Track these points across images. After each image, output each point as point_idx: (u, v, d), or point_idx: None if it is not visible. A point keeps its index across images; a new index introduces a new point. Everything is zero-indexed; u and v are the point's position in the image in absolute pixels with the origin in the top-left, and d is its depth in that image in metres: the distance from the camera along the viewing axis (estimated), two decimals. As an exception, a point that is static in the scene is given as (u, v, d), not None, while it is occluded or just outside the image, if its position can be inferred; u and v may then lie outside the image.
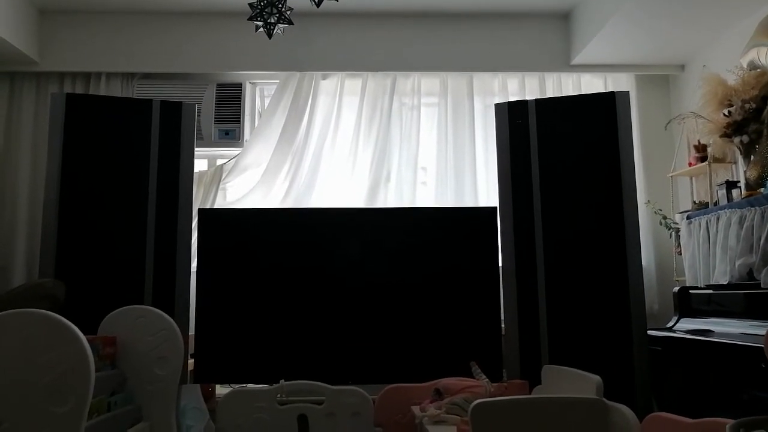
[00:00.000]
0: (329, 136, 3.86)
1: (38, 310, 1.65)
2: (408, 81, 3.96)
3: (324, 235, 2.98)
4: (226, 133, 3.87)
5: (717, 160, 3.28)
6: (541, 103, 2.98)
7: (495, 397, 2.10)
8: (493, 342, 2.86)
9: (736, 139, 3.02)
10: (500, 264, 2.91)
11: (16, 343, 1.59)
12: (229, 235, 2.97)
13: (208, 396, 2.84)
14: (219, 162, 3.91)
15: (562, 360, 2.60)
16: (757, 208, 2.56)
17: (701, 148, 3.37)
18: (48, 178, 2.82)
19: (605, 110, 2.87)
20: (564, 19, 3.95)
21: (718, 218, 2.81)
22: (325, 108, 3.91)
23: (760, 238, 2.50)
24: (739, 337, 2.33)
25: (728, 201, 2.95)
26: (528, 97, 3.71)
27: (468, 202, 3.76)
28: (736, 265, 2.61)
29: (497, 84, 3.98)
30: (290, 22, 2.47)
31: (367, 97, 3.90)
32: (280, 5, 2.43)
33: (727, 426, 1.27)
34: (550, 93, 3.93)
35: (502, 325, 2.88)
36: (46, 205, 2.80)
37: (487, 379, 2.38)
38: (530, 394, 2.43)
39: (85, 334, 1.66)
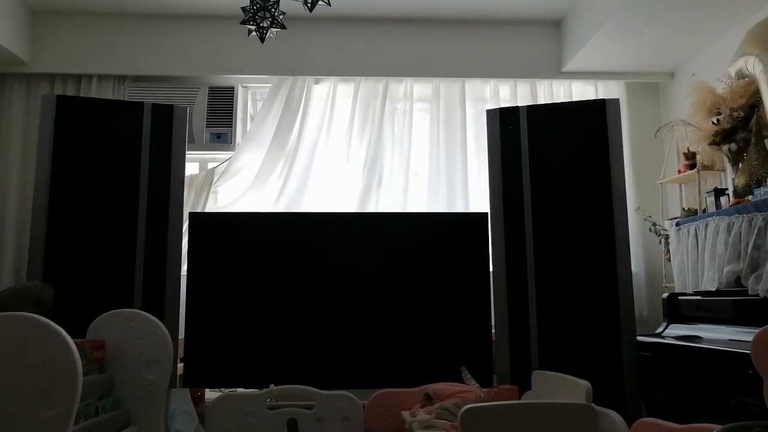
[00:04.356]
0: (321, 140, 3.86)
1: (26, 313, 1.64)
2: (400, 86, 3.97)
3: (315, 239, 2.97)
4: (218, 136, 3.86)
5: (706, 167, 3.31)
6: (532, 109, 3.00)
7: (485, 402, 2.10)
8: (484, 347, 2.86)
9: (725, 147, 3.05)
10: (491, 269, 2.92)
11: (3, 347, 1.58)
12: (219, 238, 2.95)
13: (198, 400, 2.82)
14: (210, 165, 3.90)
15: (552, 365, 2.61)
16: (744, 215, 2.58)
17: (690, 156, 3.41)
18: (37, 180, 2.80)
19: (596, 117, 2.89)
20: (555, 26, 3.98)
21: (706, 225, 2.84)
22: (317, 112, 3.91)
23: (747, 245, 2.52)
24: (727, 343, 2.35)
25: (716, 208, 2.97)
26: (519, 104, 3.72)
27: (459, 208, 3.77)
28: (724, 272, 2.63)
29: (489, 90, 4.00)
30: (283, 27, 2.47)
31: (359, 101, 3.91)
32: (272, 9, 2.43)
33: (715, 431, 1.28)
34: (542, 99, 3.96)
35: (493, 331, 2.88)
36: (35, 207, 2.78)
37: (477, 384, 2.39)
38: (520, 399, 2.44)
39: (73, 337, 1.64)
